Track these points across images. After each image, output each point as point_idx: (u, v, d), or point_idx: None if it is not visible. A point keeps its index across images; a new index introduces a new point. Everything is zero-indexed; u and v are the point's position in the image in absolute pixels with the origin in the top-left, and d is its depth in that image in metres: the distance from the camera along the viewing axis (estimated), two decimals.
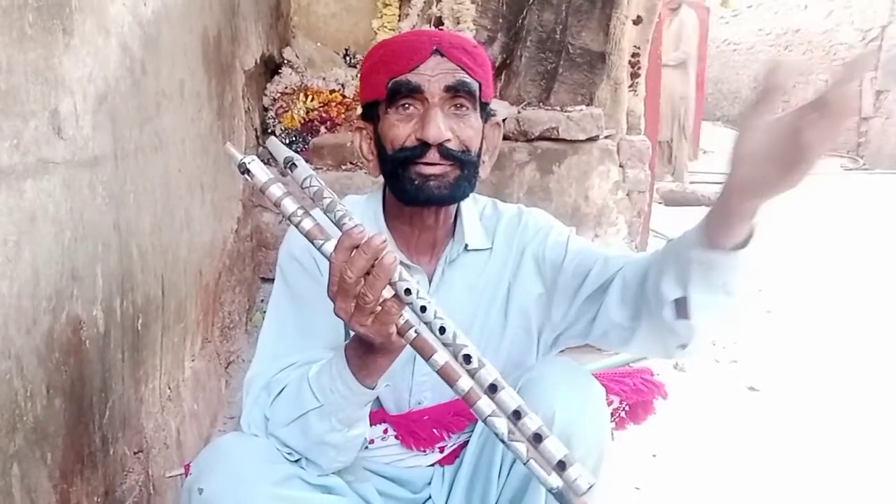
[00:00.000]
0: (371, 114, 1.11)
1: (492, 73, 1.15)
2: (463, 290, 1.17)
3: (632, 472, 1.97)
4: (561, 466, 0.82)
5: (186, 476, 1.05)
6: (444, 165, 1.05)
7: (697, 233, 0.90)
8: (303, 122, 3.06)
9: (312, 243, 0.86)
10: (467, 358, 0.84)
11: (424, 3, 3.20)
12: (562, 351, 1.24)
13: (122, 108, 1.28)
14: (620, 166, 3.14)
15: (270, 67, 3.18)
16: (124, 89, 1.29)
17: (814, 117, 0.74)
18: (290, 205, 0.85)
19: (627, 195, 3.16)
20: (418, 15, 3.21)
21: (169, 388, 1.63)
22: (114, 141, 1.24)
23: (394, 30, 3.28)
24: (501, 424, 0.84)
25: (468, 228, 1.17)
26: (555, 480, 0.83)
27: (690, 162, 8.12)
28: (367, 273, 0.83)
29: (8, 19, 0.89)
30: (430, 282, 1.15)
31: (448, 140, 1.04)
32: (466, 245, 1.16)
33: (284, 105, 3.07)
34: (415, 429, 1.18)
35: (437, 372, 0.85)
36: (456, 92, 1.05)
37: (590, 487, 0.82)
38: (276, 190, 0.84)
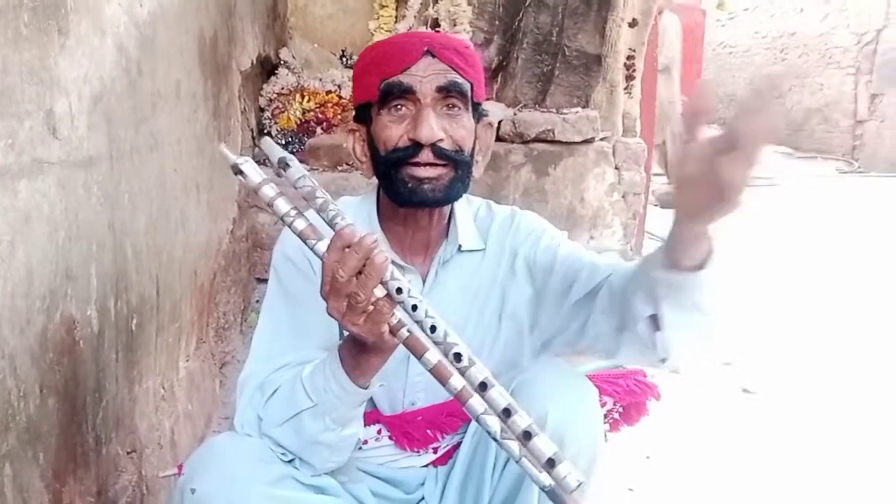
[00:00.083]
0: (364, 116, 1.12)
1: (484, 74, 1.16)
2: (456, 290, 1.17)
3: (625, 474, 1.98)
4: (550, 464, 0.82)
5: (179, 476, 1.04)
6: (438, 167, 1.05)
7: (661, 253, 0.90)
8: (299, 122, 3.06)
9: (305, 243, 0.86)
10: (457, 356, 0.84)
11: (421, 4, 3.20)
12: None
13: (118, 108, 1.28)
14: (616, 168, 3.15)
15: (267, 68, 3.18)
16: (120, 90, 1.29)
17: (725, 149, 0.72)
18: (283, 205, 0.85)
19: (623, 197, 3.17)
20: (415, 17, 3.22)
21: (163, 389, 1.63)
22: (109, 141, 1.24)
23: (390, 31, 3.29)
24: (494, 423, 0.84)
25: (462, 229, 1.17)
26: (547, 479, 0.83)
27: None
28: (359, 272, 0.84)
29: (3, 19, 0.89)
30: (423, 282, 1.16)
31: (441, 140, 1.04)
32: (460, 246, 1.16)
33: (281, 106, 3.08)
34: (408, 429, 1.18)
35: (430, 370, 0.85)
36: (448, 92, 1.05)
37: (579, 485, 0.82)
38: (268, 190, 0.85)
